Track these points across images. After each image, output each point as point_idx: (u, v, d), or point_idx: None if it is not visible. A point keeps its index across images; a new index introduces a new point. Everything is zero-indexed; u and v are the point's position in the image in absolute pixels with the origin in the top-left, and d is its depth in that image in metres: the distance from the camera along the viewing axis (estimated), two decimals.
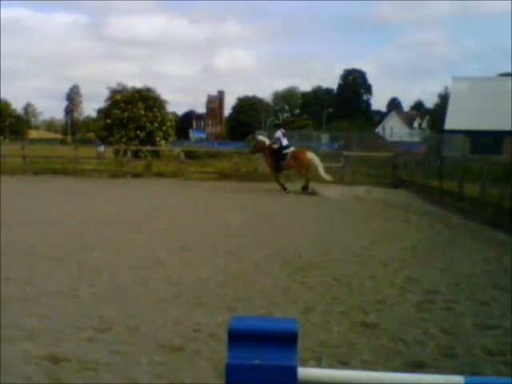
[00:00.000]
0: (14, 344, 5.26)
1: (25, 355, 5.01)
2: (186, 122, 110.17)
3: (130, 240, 10.80)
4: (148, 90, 34.76)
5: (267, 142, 23.15)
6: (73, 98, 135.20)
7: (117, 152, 32.52)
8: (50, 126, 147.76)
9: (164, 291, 7.19)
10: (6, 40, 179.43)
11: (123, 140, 32.57)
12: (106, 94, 35.15)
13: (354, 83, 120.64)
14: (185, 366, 4.93)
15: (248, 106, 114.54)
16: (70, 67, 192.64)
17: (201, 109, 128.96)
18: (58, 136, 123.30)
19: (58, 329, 5.69)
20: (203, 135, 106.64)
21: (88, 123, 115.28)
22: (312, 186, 21.57)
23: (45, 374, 4.68)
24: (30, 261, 8.76)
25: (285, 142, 22.37)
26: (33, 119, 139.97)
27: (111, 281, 7.66)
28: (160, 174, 27.38)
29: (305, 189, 21.45)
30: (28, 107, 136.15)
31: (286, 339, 2.14)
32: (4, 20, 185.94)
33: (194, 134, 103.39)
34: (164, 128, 34.17)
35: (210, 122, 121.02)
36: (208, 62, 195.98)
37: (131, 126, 33.10)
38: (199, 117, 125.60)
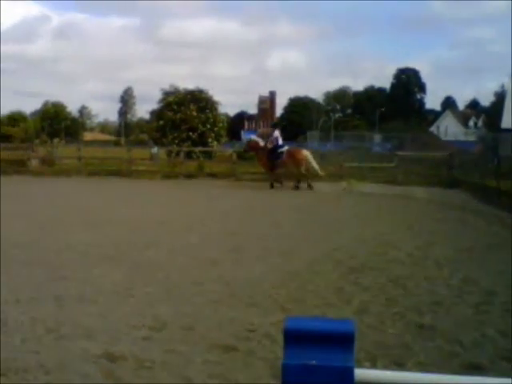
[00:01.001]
0: (71, 342, 5.36)
1: (82, 353, 5.10)
2: (238, 122, 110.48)
3: (184, 240, 10.89)
4: (200, 91, 34.97)
5: (261, 142, 24.62)
6: (126, 100, 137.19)
7: (169, 153, 32.83)
8: (104, 127, 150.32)
9: (217, 291, 7.22)
10: (62, 44, 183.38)
11: (176, 141, 32.86)
12: (158, 95, 35.53)
13: (408, 82, 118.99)
14: (239, 366, 4.94)
15: (299, 107, 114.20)
16: (123, 70, 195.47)
17: (252, 109, 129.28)
18: (112, 138, 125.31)
19: (114, 327, 5.77)
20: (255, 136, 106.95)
21: (141, 125, 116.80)
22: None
23: (102, 371, 4.75)
24: (86, 260, 8.91)
25: (280, 141, 23.90)
26: (88, 121, 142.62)
27: (165, 280, 7.73)
28: (212, 175, 27.54)
29: (298, 183, 23.02)
30: (83, 110, 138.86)
31: (343, 340, 2.11)
32: (60, 24, 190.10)
33: (245, 135, 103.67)
34: (216, 129, 34.32)
35: (261, 123, 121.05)
36: (260, 62, 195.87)
37: (183, 127, 33.35)
38: (251, 117, 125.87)
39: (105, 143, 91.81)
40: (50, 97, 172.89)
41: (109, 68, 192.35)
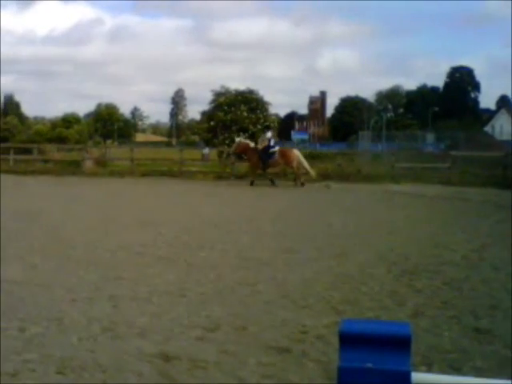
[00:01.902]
0: (126, 341, 5.43)
1: (137, 352, 5.16)
2: (288, 123, 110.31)
3: (236, 241, 10.94)
4: (251, 92, 35.07)
5: (251, 143, 25.43)
6: (177, 101, 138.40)
7: (220, 154, 33.02)
8: (155, 129, 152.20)
9: (270, 292, 7.23)
10: (115, 46, 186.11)
11: (226, 142, 33.00)
12: (209, 96, 35.73)
13: (461, 81, 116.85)
14: (292, 368, 4.93)
15: (350, 107, 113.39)
16: (175, 71, 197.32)
17: (303, 110, 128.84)
18: (164, 139, 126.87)
19: (168, 327, 5.83)
20: (305, 136, 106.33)
21: (192, 126, 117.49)
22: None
23: (156, 371, 4.80)
24: (140, 260, 9.03)
25: (272, 142, 25.26)
26: (140, 123, 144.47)
27: (218, 281, 7.78)
28: (264, 175, 27.55)
29: (302, 184, 23.94)
30: (135, 111, 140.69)
31: (399, 343, 2.09)
32: (113, 27, 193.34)
33: (296, 136, 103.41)
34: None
35: (312, 123, 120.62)
36: (310, 62, 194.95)
37: (234, 128, 33.46)
38: (301, 118, 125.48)
39: (156, 144, 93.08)
40: (103, 99, 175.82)
41: (160, 70, 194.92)
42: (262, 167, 24.95)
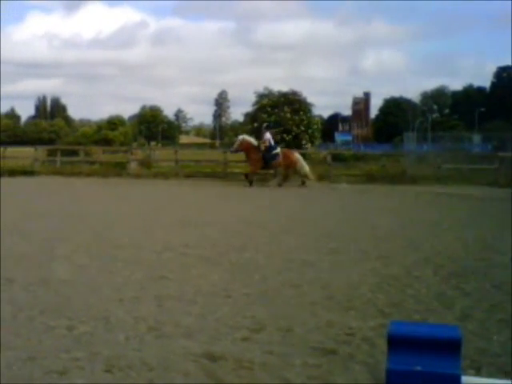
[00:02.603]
0: (172, 341, 5.47)
1: (183, 352, 5.19)
2: (332, 124, 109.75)
3: (280, 242, 10.93)
4: (294, 93, 34.99)
5: (253, 141, 25.12)
6: (221, 103, 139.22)
7: None
8: (199, 130, 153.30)
9: (315, 294, 7.19)
10: (159, 49, 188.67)
11: None
12: (252, 98, 35.79)
13: (509, 81, 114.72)
14: (338, 370, 4.89)
15: (395, 107, 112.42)
16: (218, 73, 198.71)
17: (346, 111, 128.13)
18: (207, 140, 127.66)
19: (213, 327, 5.85)
20: (349, 138, 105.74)
21: (235, 127, 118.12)
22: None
23: (202, 371, 4.82)
24: (184, 261, 9.09)
25: (272, 142, 25.16)
26: (183, 124, 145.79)
27: (263, 282, 7.77)
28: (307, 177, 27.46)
29: (303, 183, 24.63)
30: (179, 113, 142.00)
31: (449, 346, 2.06)
32: (157, 30, 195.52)
33: (339, 137, 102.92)
34: (310, 131, 34.19)
35: (355, 125, 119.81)
36: (354, 63, 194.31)
37: (278, 129, 33.46)
38: (345, 119, 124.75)
39: (200, 146, 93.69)
40: (147, 101, 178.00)
41: (204, 72, 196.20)
42: (264, 167, 25.01)
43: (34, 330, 5.72)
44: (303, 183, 24.71)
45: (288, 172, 25.33)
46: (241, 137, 26.06)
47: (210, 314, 6.27)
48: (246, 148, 25.31)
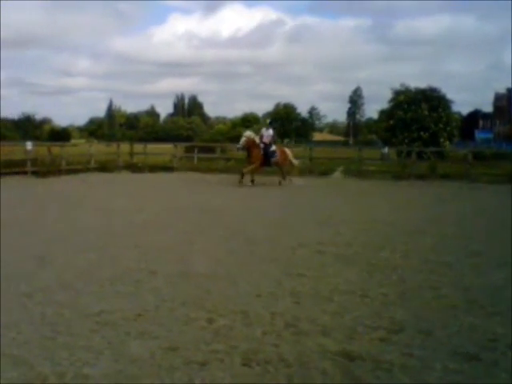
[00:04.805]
0: (309, 338, 5.46)
1: (320, 350, 5.16)
2: (471, 121, 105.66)
3: (416, 242, 10.67)
4: (432, 89, 34.14)
5: (257, 138, 23.90)
6: (355, 100, 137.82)
7: (399, 153, 32.43)
8: (332, 128, 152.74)
9: (455, 296, 6.93)
10: (295, 47, 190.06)
11: (406, 141, 32.35)
12: (388, 95, 35.34)
13: None
14: (481, 376, 4.68)
15: None
16: (353, 70, 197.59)
17: (487, 108, 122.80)
18: (340, 138, 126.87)
19: (350, 326, 5.78)
20: (490, 135, 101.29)
21: (370, 125, 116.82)
22: None
23: (340, 369, 4.77)
24: (320, 259, 9.07)
25: (275, 139, 25.68)
26: (317, 122, 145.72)
27: (400, 282, 7.60)
28: (445, 176, 26.66)
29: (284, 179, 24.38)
30: (312, 110, 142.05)
31: None
32: (293, 28, 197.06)
33: (480, 135, 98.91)
34: (448, 128, 33.23)
35: (497, 122, 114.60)
36: (496, 58, 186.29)
37: (414, 126, 32.74)
38: (486, 116, 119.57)
39: (334, 143, 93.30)
40: (281, 98, 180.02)
41: (338, 69, 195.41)
42: (264, 164, 24.13)
43: (176, 321, 5.91)
44: (290, 180, 24.52)
45: (287, 168, 25.11)
46: (247, 133, 24.70)
47: (347, 313, 6.21)
48: (251, 145, 24.01)
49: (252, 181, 23.80)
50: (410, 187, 23.91)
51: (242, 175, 23.48)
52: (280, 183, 24.24)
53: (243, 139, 23.87)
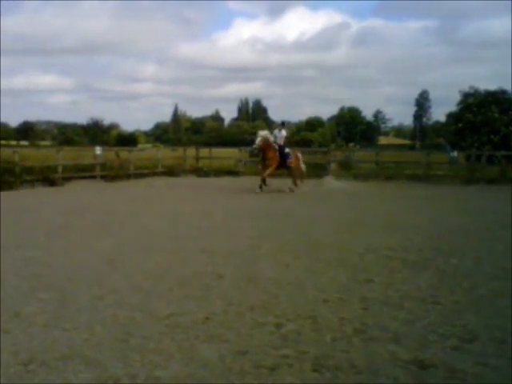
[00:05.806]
0: (379, 345, 5.38)
1: (391, 357, 5.08)
2: None
3: (487, 248, 10.43)
4: (503, 92, 33.31)
5: (271, 139, 22.81)
6: (422, 103, 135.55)
7: (469, 157, 31.72)
8: (398, 131, 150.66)
9: None
10: (359, 50, 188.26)
11: (475, 145, 31.64)
12: (456, 98, 34.62)
13: None
14: None
15: None
16: (419, 73, 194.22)
17: None
18: (407, 141, 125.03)
19: (421, 334, 5.67)
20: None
21: (437, 128, 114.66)
22: None
23: (412, 377, 4.68)
24: (389, 264, 8.93)
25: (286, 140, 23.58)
26: (382, 125, 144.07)
27: (473, 290, 7.41)
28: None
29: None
30: (378, 114, 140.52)
31: None
32: (358, 31, 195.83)
33: None
34: None
35: None
36: None
37: (484, 130, 31.99)
38: None
39: (400, 147, 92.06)
40: (345, 102, 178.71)
41: (404, 71, 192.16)
42: (280, 166, 22.83)
43: (244, 325, 5.92)
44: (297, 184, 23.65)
45: (299, 171, 24.20)
46: (263, 133, 23.26)
47: (418, 320, 6.10)
48: (267, 146, 22.58)
49: (261, 185, 22.54)
50: (479, 192, 23.35)
51: (264, 181, 22.49)
52: (291, 189, 23.13)
53: (259, 139, 22.52)
